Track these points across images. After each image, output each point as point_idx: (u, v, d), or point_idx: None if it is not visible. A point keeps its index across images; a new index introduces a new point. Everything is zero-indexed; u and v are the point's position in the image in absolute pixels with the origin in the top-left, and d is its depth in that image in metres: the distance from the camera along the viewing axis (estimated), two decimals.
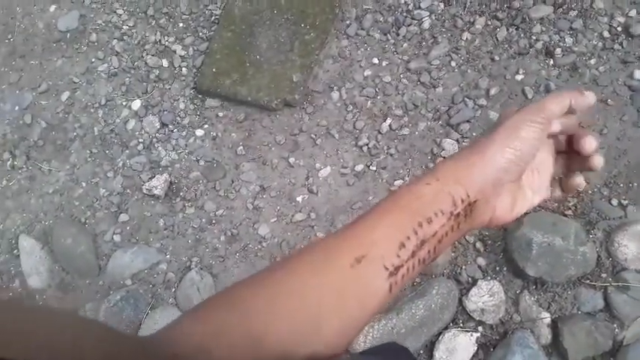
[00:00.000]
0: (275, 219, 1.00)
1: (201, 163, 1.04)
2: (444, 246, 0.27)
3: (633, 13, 1.01)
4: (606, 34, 1.00)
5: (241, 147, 1.04)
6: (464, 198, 0.27)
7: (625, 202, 0.94)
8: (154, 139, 1.05)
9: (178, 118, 1.07)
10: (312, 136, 1.04)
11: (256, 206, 1.01)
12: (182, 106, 1.07)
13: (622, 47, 1.00)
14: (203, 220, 1.01)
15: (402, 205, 0.27)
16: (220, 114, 1.07)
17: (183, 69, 1.10)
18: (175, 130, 1.06)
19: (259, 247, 1.00)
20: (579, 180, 0.33)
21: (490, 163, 0.27)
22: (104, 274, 1.03)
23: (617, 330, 0.90)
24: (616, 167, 0.95)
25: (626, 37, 1.00)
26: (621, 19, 1.01)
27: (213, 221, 1.01)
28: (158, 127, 1.06)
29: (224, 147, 1.05)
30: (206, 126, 1.06)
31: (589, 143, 0.30)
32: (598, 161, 0.31)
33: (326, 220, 1.00)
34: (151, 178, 1.02)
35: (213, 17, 1.12)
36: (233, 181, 1.03)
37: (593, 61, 0.99)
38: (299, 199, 1.01)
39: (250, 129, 1.05)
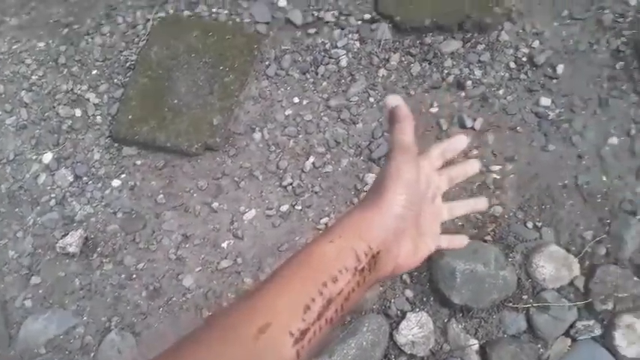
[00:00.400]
0: (200, 268, 1.34)
1: (119, 215, 1.38)
2: (352, 302, 0.36)
3: (536, 44, 1.47)
4: (512, 65, 1.45)
5: (161, 195, 1.39)
6: (367, 251, 0.37)
7: (539, 224, 1.34)
8: (67, 194, 1.39)
9: (93, 169, 1.41)
10: (236, 179, 1.41)
11: (179, 256, 1.35)
12: (97, 156, 1.42)
13: (527, 77, 1.44)
14: (122, 275, 1.33)
15: (306, 266, 0.35)
16: (138, 162, 1.41)
17: (98, 117, 1.45)
18: (90, 182, 1.40)
19: (184, 299, 1.32)
20: (463, 239, 0.51)
21: (387, 214, 0.38)
22: (15, 344, 1.31)
23: (541, 350, 1.26)
24: (528, 191, 1.36)
25: (531, 66, 1.45)
26: (525, 50, 1.47)
27: (134, 276, 1.33)
28: (71, 180, 1.40)
29: (143, 196, 1.39)
30: (123, 175, 1.40)
31: (472, 165, 0.51)
32: (483, 203, 0.51)
33: (253, 265, 1.34)
34: (64, 235, 1.34)
35: (128, 63, 1.50)
36: (154, 232, 1.36)
37: (501, 92, 1.43)
38: (224, 245, 1.36)
39: (171, 176, 1.41)
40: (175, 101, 1.43)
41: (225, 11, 1.55)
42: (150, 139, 1.40)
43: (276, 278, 0.36)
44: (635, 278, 1.27)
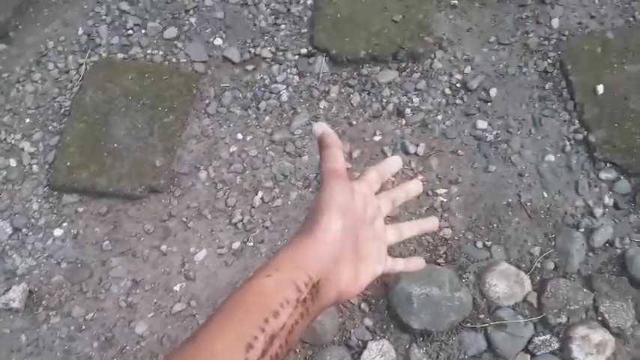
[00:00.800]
0: (152, 314, 1.80)
1: (64, 265, 1.83)
2: (297, 335, 0.48)
3: (468, 69, 2.13)
4: (448, 90, 2.09)
5: (107, 241, 1.86)
6: (307, 281, 0.50)
7: (489, 243, 1.92)
8: (7, 247, 1.83)
9: (33, 220, 1.87)
10: (184, 219, 1.91)
11: (130, 303, 1.81)
12: (36, 206, 1.89)
13: (463, 101, 2.08)
14: (71, 327, 1.77)
15: (245, 304, 0.47)
16: (80, 209, 1.88)
17: (34, 167, 1.93)
18: (30, 233, 1.85)
19: (138, 347, 1.78)
20: (420, 261, 0.70)
21: (323, 240, 0.52)
22: None
23: None
24: (475, 211, 1.95)
25: (465, 91, 2.09)
26: (459, 76, 2.11)
27: (84, 327, 1.77)
28: (10, 232, 1.85)
29: (87, 244, 1.86)
30: (65, 224, 1.87)
31: (415, 185, 0.71)
32: (433, 222, 0.71)
33: (207, 306, 1.82)
34: (7, 291, 1.77)
35: (63, 109, 2.00)
36: (101, 280, 1.82)
37: (440, 117, 2.05)
38: (176, 288, 1.84)
39: (115, 221, 1.89)
40: (115, 145, 1.95)
41: (160, 52, 2.11)
42: (90, 185, 1.89)
43: (215, 319, 0.47)
44: (585, 290, 1.84)
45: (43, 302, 1.74)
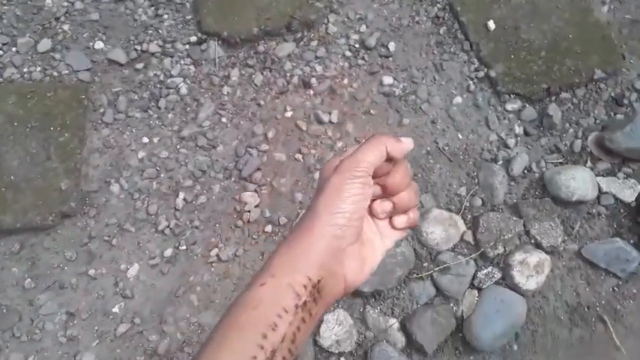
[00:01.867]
0: (97, 341, 1.85)
1: None
2: (301, 340, 0.50)
3: (363, 28, 2.29)
4: (348, 53, 2.25)
5: (29, 279, 1.88)
6: (306, 283, 0.51)
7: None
8: None
9: None
10: (106, 238, 1.95)
11: (70, 336, 1.84)
12: None
13: (365, 60, 2.25)
14: None
15: (240, 322, 0.48)
16: None
17: None
18: None
19: None
20: (412, 215, 0.67)
21: (321, 238, 0.53)
22: None
23: (454, 308, 2.00)
24: None
25: (365, 50, 2.26)
26: (356, 37, 2.27)
27: None
28: None
29: (8, 287, 1.86)
30: None
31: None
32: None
33: (154, 320, 1.89)
34: None
35: None
36: (33, 320, 1.84)
37: (346, 81, 2.21)
38: (115, 309, 1.89)
39: (32, 256, 1.91)
40: (11, 177, 1.95)
41: (38, 68, 2.11)
42: None
43: (210, 344, 0.48)
44: (514, 218, 2.07)
45: None
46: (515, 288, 1.95)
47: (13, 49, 2.07)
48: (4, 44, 2.07)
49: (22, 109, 1.97)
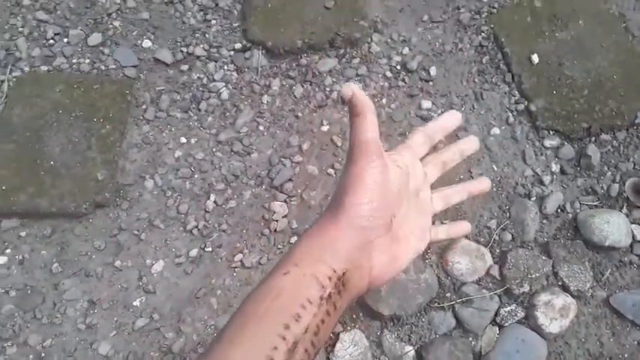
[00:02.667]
0: (114, 332, 1.88)
1: (12, 293, 1.88)
2: (325, 334, 0.48)
3: (406, 50, 2.32)
4: (389, 73, 2.27)
5: (56, 264, 1.93)
6: (330, 275, 0.49)
7: (446, 222, 2.12)
8: None
9: None
10: (135, 232, 2.00)
11: (89, 324, 1.88)
12: None
13: (405, 82, 2.27)
14: (30, 356, 1.82)
15: (261, 311, 0.46)
16: (23, 234, 1.94)
17: None
18: None
19: None
20: (465, 225, 0.68)
21: (348, 228, 0.51)
22: None
23: (473, 342, 1.99)
24: None
25: (406, 72, 2.29)
26: (398, 58, 2.30)
27: (43, 355, 1.83)
28: None
29: (36, 269, 1.92)
30: (8, 251, 1.92)
31: (471, 143, 0.67)
32: (486, 183, 0.66)
33: (172, 318, 1.92)
34: None
35: None
36: (55, 304, 1.89)
37: (384, 101, 2.24)
38: (136, 303, 1.93)
39: (62, 242, 1.96)
40: (51, 163, 2.01)
41: (87, 60, 2.18)
42: (31, 208, 1.95)
43: (229, 331, 0.46)
44: (543, 257, 2.05)
45: None
46: (537, 329, 1.91)
47: (65, 39, 2.14)
48: (56, 34, 2.14)
49: (68, 99, 2.03)
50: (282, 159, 2.03)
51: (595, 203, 2.09)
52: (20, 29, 2.16)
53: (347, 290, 0.52)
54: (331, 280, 0.50)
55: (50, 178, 1.93)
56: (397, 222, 0.58)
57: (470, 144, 0.71)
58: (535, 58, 2.20)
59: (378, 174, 0.54)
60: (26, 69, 2.09)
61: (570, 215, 2.05)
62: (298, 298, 0.48)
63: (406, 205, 0.60)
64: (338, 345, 1.88)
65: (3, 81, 2.04)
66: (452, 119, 0.68)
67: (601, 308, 1.94)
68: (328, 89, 2.13)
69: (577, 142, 2.14)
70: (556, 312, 1.90)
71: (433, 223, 0.68)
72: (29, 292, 1.83)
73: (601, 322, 1.93)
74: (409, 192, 0.61)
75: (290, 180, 2.02)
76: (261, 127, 2.07)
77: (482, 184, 0.72)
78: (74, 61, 2.12)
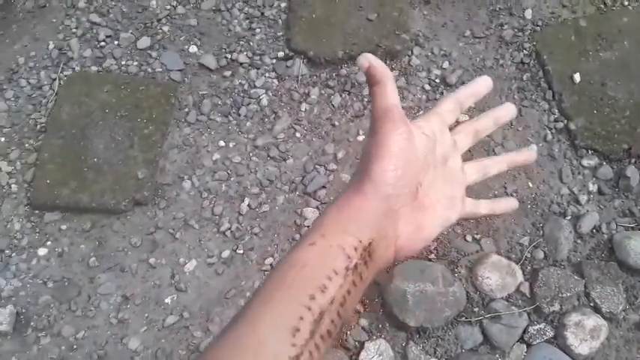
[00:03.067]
0: (145, 328, 1.92)
1: (50, 284, 1.94)
2: (351, 305, 0.48)
3: (446, 64, 2.31)
4: (427, 87, 2.27)
5: (93, 258, 1.98)
6: (356, 245, 0.49)
7: (478, 236, 2.09)
8: None
9: (15, 241, 1.97)
10: (170, 231, 2.04)
11: (121, 319, 1.93)
12: (17, 226, 1.99)
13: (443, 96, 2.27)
14: (63, 347, 1.88)
15: (287, 281, 0.47)
16: (63, 227, 2.00)
17: (13, 186, 2.04)
18: (13, 254, 1.95)
19: None
20: (512, 201, 0.64)
21: (373, 199, 0.51)
22: None
23: (499, 359, 1.99)
24: None
25: (445, 86, 2.28)
26: (437, 72, 2.30)
27: (75, 346, 1.88)
28: None
29: (73, 262, 1.97)
30: (49, 243, 1.98)
31: (507, 109, 0.63)
32: (529, 154, 0.64)
33: (201, 317, 1.95)
34: None
35: (38, 126, 2.12)
36: (90, 297, 1.94)
37: (421, 113, 2.23)
38: (167, 300, 1.97)
39: (100, 237, 2.01)
40: (95, 159, 2.07)
41: (135, 63, 2.24)
42: (73, 202, 2.01)
43: (255, 301, 0.47)
44: (576, 277, 2.02)
45: (32, 323, 1.84)
46: (566, 350, 1.87)
47: (115, 42, 2.20)
48: (107, 37, 2.21)
49: (115, 98, 2.09)
50: (317, 166, 2.05)
51: (632, 225, 2.04)
52: (74, 30, 2.23)
53: (373, 260, 0.52)
54: (357, 250, 0.50)
55: (93, 174, 1.99)
56: (423, 190, 0.57)
57: (506, 110, 0.68)
58: (577, 77, 2.17)
59: (403, 140, 0.53)
60: (77, 68, 2.16)
61: (606, 236, 2.00)
62: (324, 269, 0.48)
63: (433, 173, 0.59)
64: (363, 354, 1.87)
65: (55, 79, 2.11)
66: (484, 84, 0.65)
67: (633, 332, 1.89)
68: (366, 100, 2.14)
69: (616, 163, 2.09)
70: (586, 333, 1.86)
71: (469, 195, 0.65)
72: (66, 284, 1.89)
73: (632, 345, 1.88)
74: (436, 159, 0.59)
75: (323, 187, 2.03)
76: (297, 134, 2.09)
77: (525, 155, 0.68)
78: (123, 62, 2.18)
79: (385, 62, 2.05)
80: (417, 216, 0.56)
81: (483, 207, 0.66)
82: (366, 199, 0.52)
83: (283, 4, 2.30)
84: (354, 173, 0.56)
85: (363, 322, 1.90)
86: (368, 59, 0.54)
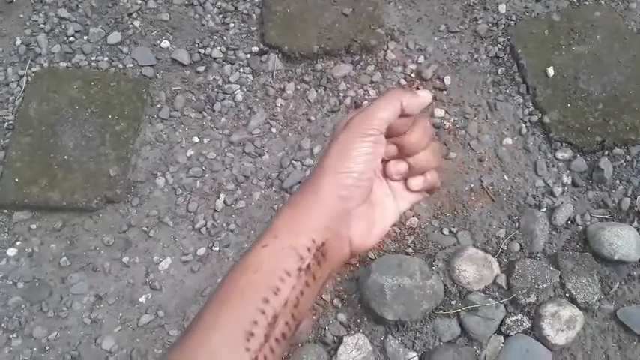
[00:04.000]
0: (119, 328, 1.86)
1: (20, 285, 1.87)
2: (305, 305, 0.48)
3: (422, 59, 2.28)
4: (403, 81, 2.24)
5: (65, 257, 1.91)
6: (309, 245, 0.49)
7: (455, 230, 2.07)
8: None
9: None
10: (144, 229, 1.98)
11: (94, 319, 1.86)
12: None
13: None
14: (34, 349, 1.81)
15: (241, 285, 0.46)
16: (33, 226, 1.93)
17: None
18: None
19: None
20: (430, 178, 0.62)
21: (327, 199, 0.50)
22: None
23: (477, 351, 1.95)
24: (439, 199, 2.11)
25: (421, 81, 2.25)
26: (413, 66, 2.27)
27: (47, 347, 1.81)
28: None
29: (44, 262, 1.90)
30: (19, 243, 1.90)
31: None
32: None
33: (177, 316, 1.89)
34: None
35: (5, 124, 2.03)
36: (62, 298, 1.87)
37: None
38: (142, 299, 1.91)
39: (72, 236, 1.94)
40: (65, 157, 2.00)
41: (105, 58, 2.18)
42: (43, 201, 1.94)
43: (209, 307, 0.46)
44: (551, 268, 2.01)
45: (2, 325, 1.78)
46: (543, 340, 1.87)
47: (85, 37, 2.14)
48: (76, 32, 2.14)
49: (84, 95, 2.03)
50: (293, 162, 2.01)
51: (605, 216, 2.04)
52: (42, 26, 2.17)
53: (327, 260, 0.51)
54: (310, 250, 0.50)
55: (63, 172, 1.92)
56: (374, 190, 0.58)
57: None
58: (551, 70, 2.16)
59: (369, 146, 0.53)
60: (45, 64, 2.09)
61: (580, 228, 2.00)
62: (276, 271, 0.48)
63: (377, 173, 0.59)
64: (341, 348, 1.85)
65: (22, 75, 2.04)
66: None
67: (608, 321, 1.89)
68: (342, 94, 2.10)
69: (590, 156, 2.09)
70: (562, 323, 1.86)
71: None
72: (37, 284, 1.82)
73: (607, 335, 1.88)
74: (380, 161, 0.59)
75: (300, 183, 1.98)
76: (273, 130, 2.05)
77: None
78: (93, 58, 2.12)
79: (361, 57, 2.03)
80: (369, 213, 0.57)
81: (414, 186, 0.64)
82: (320, 199, 0.52)
83: None
84: (310, 172, 0.58)
85: (342, 316, 1.87)
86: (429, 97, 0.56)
